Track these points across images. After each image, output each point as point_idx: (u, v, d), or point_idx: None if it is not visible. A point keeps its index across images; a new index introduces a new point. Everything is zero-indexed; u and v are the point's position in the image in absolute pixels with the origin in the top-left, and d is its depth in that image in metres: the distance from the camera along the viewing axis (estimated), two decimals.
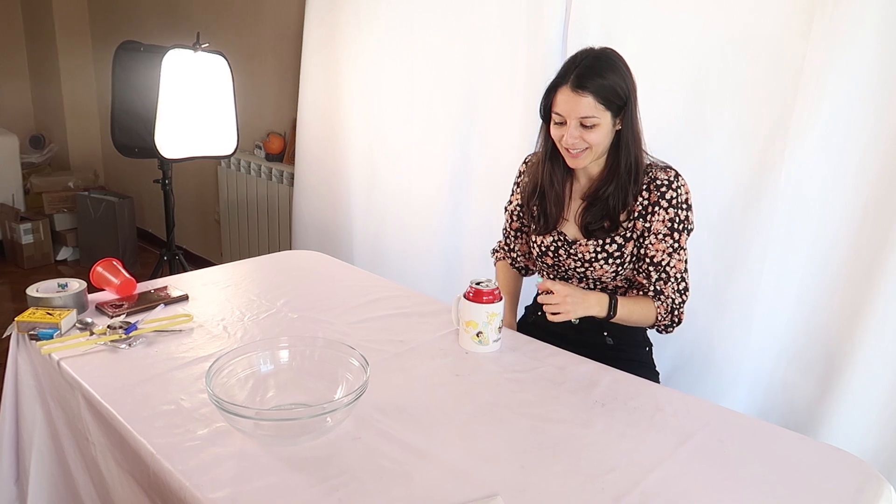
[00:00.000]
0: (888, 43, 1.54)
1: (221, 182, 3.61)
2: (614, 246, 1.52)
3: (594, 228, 1.52)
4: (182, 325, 1.52)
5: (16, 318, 1.46)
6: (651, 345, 1.68)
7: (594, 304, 1.47)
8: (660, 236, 1.48)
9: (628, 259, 1.53)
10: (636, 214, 1.50)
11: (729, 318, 1.90)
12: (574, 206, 1.57)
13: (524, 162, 1.71)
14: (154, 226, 4.49)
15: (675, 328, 1.56)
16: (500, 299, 1.45)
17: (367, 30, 2.68)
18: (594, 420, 1.21)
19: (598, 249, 1.53)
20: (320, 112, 2.96)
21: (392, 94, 2.66)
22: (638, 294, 1.58)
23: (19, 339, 1.47)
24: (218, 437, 1.11)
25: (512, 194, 1.74)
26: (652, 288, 1.52)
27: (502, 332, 1.49)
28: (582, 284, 1.61)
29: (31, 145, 4.74)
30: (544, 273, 1.69)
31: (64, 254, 4.22)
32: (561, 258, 1.60)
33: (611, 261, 1.53)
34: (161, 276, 1.95)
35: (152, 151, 2.46)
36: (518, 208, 1.71)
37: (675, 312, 1.53)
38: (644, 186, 1.49)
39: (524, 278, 1.84)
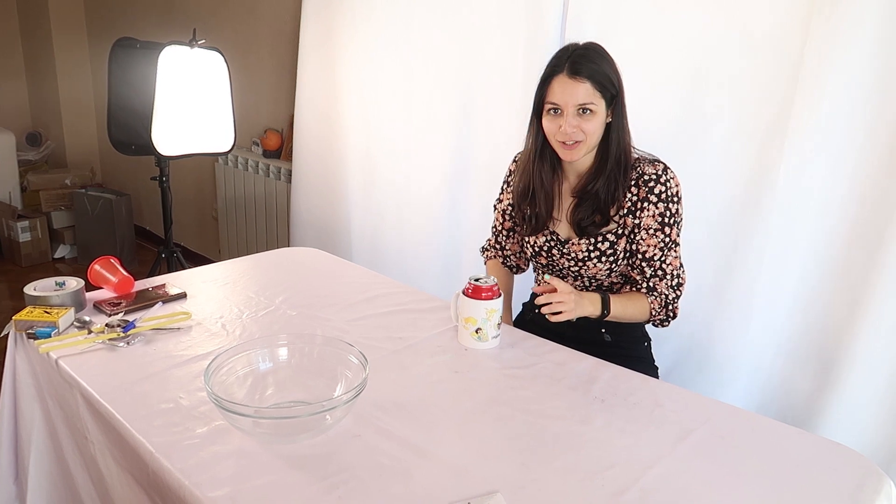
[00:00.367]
0: (886, 40, 1.54)
1: (219, 179, 3.60)
2: (606, 244, 1.52)
3: (586, 225, 1.52)
4: (180, 323, 1.51)
5: (13, 317, 1.45)
6: (650, 340, 1.68)
7: (588, 305, 1.47)
8: (651, 231, 1.48)
9: (621, 256, 1.53)
10: (625, 211, 1.49)
11: (728, 313, 1.91)
12: (565, 205, 1.57)
13: (514, 160, 1.70)
14: (152, 223, 4.48)
15: (671, 322, 1.56)
16: (499, 295, 1.45)
17: (365, 26, 2.67)
18: (594, 416, 1.21)
19: (591, 248, 1.53)
20: (318, 108, 2.96)
21: (390, 90, 2.65)
22: (631, 290, 1.58)
23: (17, 338, 1.47)
24: (217, 436, 1.11)
25: (502, 192, 1.73)
26: (646, 284, 1.51)
27: (501, 328, 1.49)
28: (577, 283, 1.61)
29: (27, 143, 4.73)
30: (540, 272, 1.69)
31: (61, 251, 4.21)
32: (554, 258, 1.59)
33: (604, 259, 1.53)
34: (159, 274, 1.95)
35: (149, 148, 2.45)
36: (509, 207, 1.70)
37: (670, 307, 1.53)
38: (633, 182, 1.48)
39: (516, 276, 1.83)
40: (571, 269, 1.58)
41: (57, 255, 4.19)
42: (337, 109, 2.88)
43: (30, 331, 1.42)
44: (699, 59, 1.83)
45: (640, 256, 1.50)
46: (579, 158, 1.48)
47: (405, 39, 2.54)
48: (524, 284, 1.84)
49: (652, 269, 1.50)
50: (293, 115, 3.09)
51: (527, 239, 1.64)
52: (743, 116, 1.78)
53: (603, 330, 1.60)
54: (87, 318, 1.49)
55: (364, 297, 1.72)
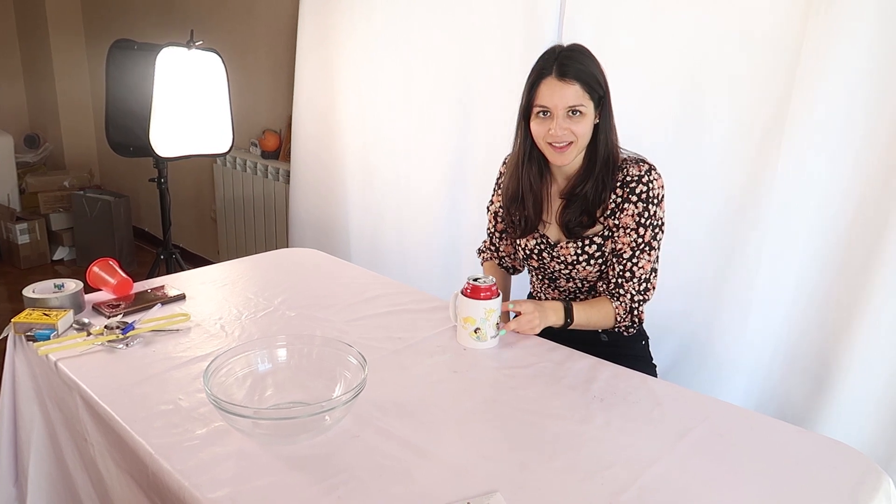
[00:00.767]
0: (883, 37, 1.54)
1: (217, 180, 3.60)
2: (594, 247, 1.52)
3: (574, 226, 1.52)
4: (179, 325, 1.51)
5: (12, 320, 1.45)
6: (647, 338, 1.68)
7: (551, 315, 1.48)
8: (627, 230, 1.48)
9: (610, 257, 1.53)
10: (609, 212, 1.49)
11: (726, 312, 1.91)
12: (554, 208, 1.57)
13: (504, 162, 1.69)
14: (150, 224, 4.48)
15: (636, 329, 1.56)
16: (498, 295, 1.45)
17: (363, 25, 2.67)
18: (593, 415, 1.21)
19: (579, 251, 1.53)
20: (316, 109, 2.96)
21: (388, 90, 2.65)
22: (596, 296, 1.57)
23: (16, 341, 1.47)
24: (216, 437, 1.11)
25: (493, 194, 1.73)
26: (613, 282, 1.51)
27: (500, 327, 1.49)
28: (570, 284, 1.61)
29: (25, 145, 4.72)
30: (532, 274, 1.69)
31: (60, 253, 4.21)
32: (545, 260, 1.60)
33: (592, 261, 1.53)
34: (158, 276, 1.95)
35: (147, 150, 2.44)
36: (500, 210, 1.70)
37: (635, 313, 1.53)
38: (618, 183, 1.48)
39: (513, 276, 1.84)
40: (562, 271, 1.58)
41: (56, 258, 4.18)
42: (335, 110, 2.88)
43: (29, 333, 1.42)
44: (697, 58, 1.83)
45: (613, 253, 1.50)
46: (570, 161, 1.48)
47: (404, 39, 2.54)
48: (523, 284, 1.84)
49: (621, 266, 1.50)
50: (291, 116, 3.09)
51: (518, 242, 1.64)
52: (741, 116, 1.78)
53: (599, 329, 1.60)
54: (86, 320, 1.49)
55: (363, 297, 1.72)
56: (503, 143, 2.23)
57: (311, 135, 3.00)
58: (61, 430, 1.37)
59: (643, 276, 1.50)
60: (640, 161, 1.49)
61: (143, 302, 1.62)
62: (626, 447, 1.12)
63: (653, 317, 1.70)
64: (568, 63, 1.40)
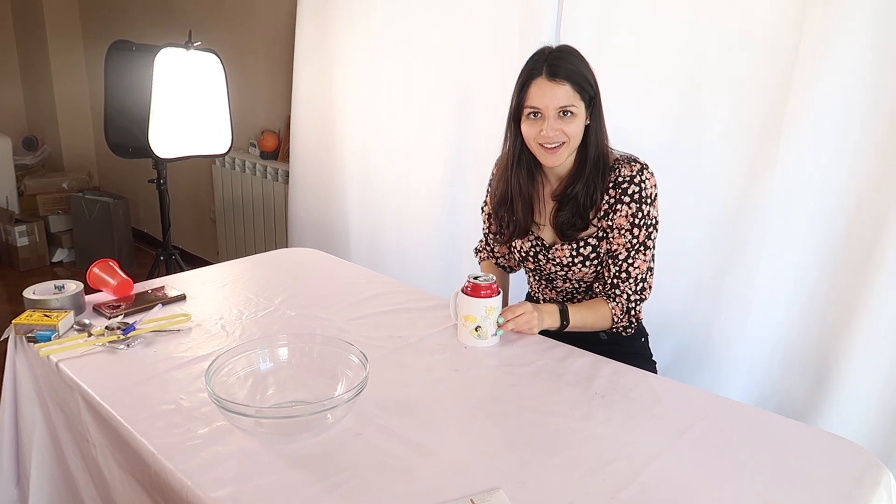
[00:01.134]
0: (880, 35, 1.55)
1: (216, 181, 3.60)
2: (589, 248, 1.52)
3: (567, 229, 1.52)
4: (180, 325, 1.52)
5: (13, 321, 1.45)
6: (647, 335, 1.68)
7: (546, 318, 1.48)
8: (622, 231, 1.48)
9: (605, 258, 1.53)
10: (602, 213, 1.49)
11: (726, 310, 1.91)
12: (547, 210, 1.56)
13: (496, 164, 1.68)
14: (149, 226, 4.48)
15: (633, 329, 1.56)
16: (499, 293, 1.46)
17: (361, 25, 2.67)
18: (594, 412, 1.22)
19: (574, 253, 1.53)
20: (314, 109, 2.96)
21: (387, 90, 2.65)
22: (591, 298, 1.57)
23: (17, 342, 1.47)
24: (218, 436, 1.11)
25: (487, 195, 1.73)
26: (609, 282, 1.51)
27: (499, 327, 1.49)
28: (567, 285, 1.61)
29: (23, 147, 4.72)
30: (529, 275, 1.70)
31: (59, 255, 4.21)
32: (541, 262, 1.60)
33: (588, 263, 1.53)
34: (158, 276, 1.95)
35: (146, 151, 2.44)
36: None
37: (632, 313, 1.53)
38: (610, 184, 1.47)
39: (511, 275, 1.84)
40: (559, 273, 1.58)
41: (55, 259, 4.18)
42: (334, 110, 2.88)
43: (30, 334, 1.42)
44: (695, 58, 1.83)
45: (608, 254, 1.50)
46: (562, 162, 1.48)
47: (403, 39, 2.54)
48: (522, 283, 1.84)
49: (617, 267, 1.50)
50: (290, 117, 3.09)
51: (513, 244, 1.64)
52: (740, 115, 1.78)
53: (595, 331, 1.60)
54: (86, 321, 1.50)
55: (363, 296, 1.72)
56: (502, 141, 2.24)
57: (310, 135, 3.00)
58: (63, 431, 1.37)
59: (639, 276, 1.50)
60: (631, 161, 1.48)
61: (144, 302, 1.62)
62: (626, 444, 1.12)
63: (652, 315, 1.70)
64: (558, 63, 1.40)
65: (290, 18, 3.00)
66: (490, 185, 1.69)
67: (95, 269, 1.69)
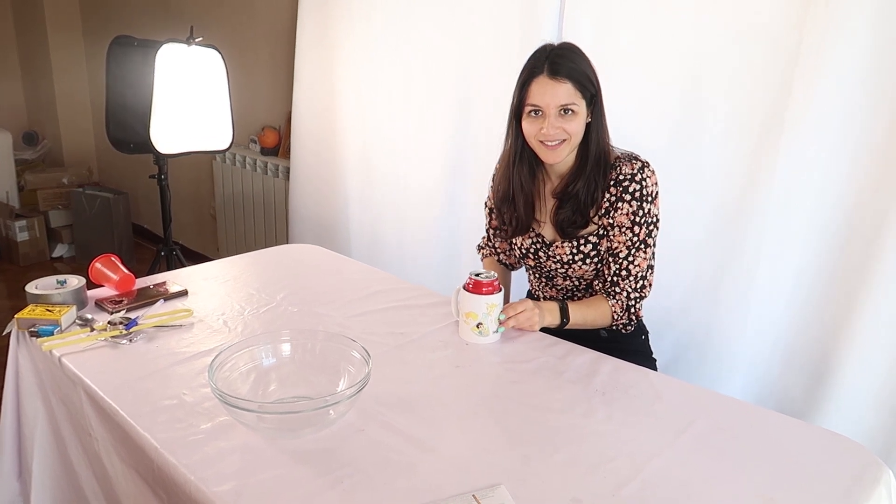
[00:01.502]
0: (882, 34, 1.55)
1: (217, 177, 3.60)
2: (589, 246, 1.52)
3: (567, 226, 1.52)
4: (182, 321, 1.52)
5: (16, 315, 1.46)
6: (647, 332, 1.69)
7: (547, 315, 1.48)
8: (623, 229, 1.48)
9: (606, 256, 1.53)
10: (603, 211, 1.49)
11: (725, 308, 1.91)
12: (548, 207, 1.57)
13: (499, 160, 1.68)
14: (149, 221, 4.48)
15: (632, 327, 1.57)
16: (500, 290, 1.46)
17: (362, 23, 2.67)
18: (595, 409, 1.22)
19: (575, 251, 1.53)
20: (315, 105, 2.96)
21: (388, 87, 2.65)
22: (591, 295, 1.57)
23: (19, 337, 1.47)
24: (221, 431, 1.11)
25: (490, 191, 1.73)
26: (609, 280, 1.52)
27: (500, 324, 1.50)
28: (567, 283, 1.62)
29: (24, 142, 4.72)
30: (530, 273, 1.70)
31: (60, 251, 4.21)
32: (541, 260, 1.60)
33: (588, 260, 1.53)
34: (158, 272, 1.95)
35: (147, 146, 2.44)
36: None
37: (632, 310, 1.53)
38: (612, 182, 1.48)
39: (513, 273, 1.84)
40: (559, 270, 1.59)
41: (55, 255, 4.18)
42: (335, 106, 2.88)
43: (32, 329, 1.42)
44: (696, 56, 1.83)
45: (609, 252, 1.51)
46: (562, 159, 1.48)
47: (404, 37, 2.54)
48: (523, 281, 1.85)
49: (617, 265, 1.50)
50: (291, 113, 3.09)
51: (514, 241, 1.65)
52: (740, 113, 1.79)
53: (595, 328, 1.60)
54: (88, 316, 1.50)
55: (364, 293, 1.73)
56: (501, 139, 2.24)
57: (311, 131, 3.00)
58: (65, 426, 1.37)
59: (639, 274, 1.50)
60: (633, 158, 1.48)
61: (146, 298, 1.62)
62: (627, 441, 1.13)
63: (653, 312, 1.71)
64: (559, 61, 1.40)
65: (292, 15, 3.00)
66: (493, 181, 1.70)
67: (98, 265, 1.70)
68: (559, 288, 1.65)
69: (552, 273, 1.61)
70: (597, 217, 1.51)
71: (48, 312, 1.45)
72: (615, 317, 1.53)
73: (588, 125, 1.46)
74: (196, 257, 3.89)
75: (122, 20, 4.17)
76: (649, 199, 1.47)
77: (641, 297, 1.53)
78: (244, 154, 3.39)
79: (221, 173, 3.55)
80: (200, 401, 1.20)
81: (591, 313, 1.52)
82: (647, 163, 1.48)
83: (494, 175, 1.69)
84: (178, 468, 1.02)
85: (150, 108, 2.39)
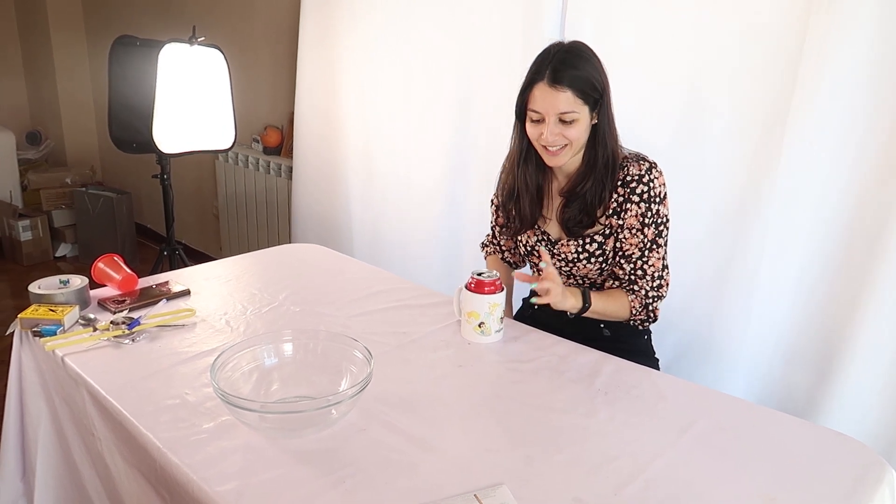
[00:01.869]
0: (884, 34, 1.54)
1: (219, 176, 3.61)
2: (594, 245, 1.52)
3: (573, 225, 1.52)
4: (185, 320, 1.52)
5: (19, 315, 1.46)
6: (650, 332, 1.68)
7: (570, 297, 1.46)
8: (633, 231, 1.48)
9: (611, 256, 1.53)
10: (611, 212, 1.49)
11: (728, 307, 1.91)
12: (555, 205, 1.57)
13: (507, 157, 1.68)
14: (152, 221, 4.48)
15: (651, 324, 1.56)
16: (502, 290, 1.46)
17: (364, 22, 2.67)
18: (597, 409, 1.22)
19: (580, 249, 1.53)
20: (317, 105, 2.96)
21: (389, 86, 2.65)
22: (612, 287, 1.57)
23: (23, 336, 1.48)
24: (223, 431, 1.11)
25: (497, 188, 1.73)
26: (626, 279, 1.51)
27: (504, 322, 1.50)
28: (570, 282, 1.62)
29: (27, 142, 4.73)
30: (534, 271, 1.70)
31: (63, 250, 4.22)
32: None
33: (593, 259, 1.53)
34: (161, 272, 1.95)
35: (150, 146, 2.45)
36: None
37: (650, 308, 1.53)
38: (619, 182, 1.47)
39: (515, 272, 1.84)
40: (563, 269, 1.59)
41: (58, 254, 4.19)
42: (337, 106, 2.88)
43: (35, 329, 1.42)
44: (698, 56, 1.83)
45: (621, 254, 1.50)
46: (564, 163, 1.48)
47: (405, 37, 2.54)
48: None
49: (631, 266, 1.50)
50: (293, 112, 3.10)
51: (519, 238, 1.64)
52: (741, 113, 1.78)
53: (602, 325, 1.60)
54: (91, 316, 1.50)
55: (366, 292, 1.73)
56: (503, 140, 2.23)
57: (313, 131, 3.00)
58: (68, 425, 1.37)
59: (655, 274, 1.50)
60: (640, 159, 1.48)
61: (148, 297, 1.62)
62: (630, 441, 1.13)
63: None
64: (562, 68, 1.38)
65: (294, 14, 3.00)
66: (500, 177, 1.70)
67: (100, 264, 1.70)
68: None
69: (557, 271, 1.61)
70: (604, 217, 1.50)
71: (51, 312, 1.45)
72: (633, 312, 1.53)
73: (594, 127, 1.46)
74: (199, 257, 3.90)
75: (124, 20, 4.18)
76: (658, 199, 1.46)
77: (659, 297, 1.53)
78: (247, 153, 3.40)
79: (224, 173, 3.56)
80: (203, 400, 1.20)
81: (611, 304, 1.52)
82: (654, 163, 1.48)
83: (501, 172, 1.69)
84: (181, 468, 1.02)
85: (153, 107, 2.40)
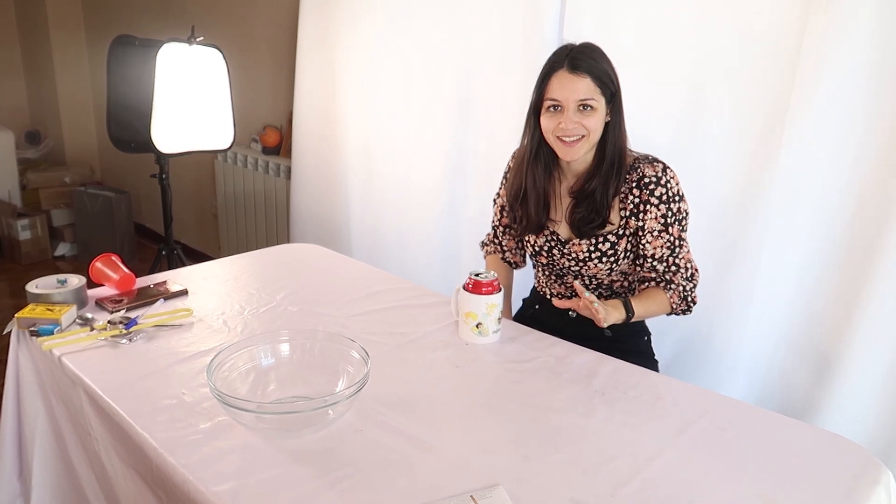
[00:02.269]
0: (884, 34, 1.54)
1: (218, 176, 3.60)
2: (607, 244, 1.52)
3: (583, 226, 1.51)
4: (182, 320, 1.52)
5: (16, 315, 1.46)
6: (649, 333, 1.68)
7: (613, 311, 1.43)
8: (655, 234, 1.48)
9: (622, 256, 1.52)
10: (627, 213, 1.49)
11: (727, 307, 1.91)
12: (564, 206, 1.56)
13: (512, 156, 1.68)
14: (151, 220, 4.48)
15: (692, 311, 1.56)
16: (500, 290, 1.46)
17: (363, 22, 2.67)
18: (595, 409, 1.22)
19: (592, 249, 1.53)
20: (316, 105, 2.96)
21: (389, 86, 2.65)
22: (647, 287, 1.56)
23: (20, 336, 1.47)
24: (220, 431, 1.11)
25: (501, 187, 1.73)
26: (661, 278, 1.51)
27: (502, 322, 1.49)
28: (577, 281, 1.61)
29: (26, 141, 4.72)
30: (539, 270, 1.69)
31: (61, 249, 4.22)
32: (555, 258, 1.59)
33: (604, 259, 1.53)
34: (160, 271, 1.95)
35: (149, 146, 2.45)
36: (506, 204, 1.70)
37: (689, 298, 1.53)
38: (634, 184, 1.47)
39: (515, 271, 1.84)
40: (572, 268, 1.58)
41: (57, 253, 4.19)
42: (336, 105, 2.88)
43: (32, 328, 1.42)
44: (698, 55, 1.83)
45: (649, 258, 1.50)
46: (580, 156, 1.47)
47: (404, 36, 2.54)
48: (524, 280, 1.84)
49: (664, 265, 1.50)
50: (292, 112, 3.09)
51: (527, 238, 1.64)
52: (741, 112, 1.78)
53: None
54: (89, 316, 1.50)
55: (365, 292, 1.73)
56: (503, 140, 2.25)
57: (312, 131, 3.00)
58: (65, 425, 1.37)
59: (687, 266, 1.51)
60: (653, 161, 1.49)
61: (146, 297, 1.62)
62: (628, 441, 1.13)
63: None
64: (580, 58, 1.41)
65: (293, 14, 3.00)
66: (505, 176, 1.69)
67: (98, 264, 1.70)
68: (567, 286, 1.64)
69: (564, 272, 1.61)
70: (623, 219, 1.50)
71: (48, 312, 1.45)
72: (673, 306, 1.53)
73: (606, 124, 1.46)
74: (198, 256, 3.90)
75: (123, 19, 4.18)
76: (676, 198, 1.47)
77: (695, 286, 1.53)
78: (245, 153, 3.40)
79: (223, 172, 3.55)
80: (200, 401, 1.20)
81: (651, 305, 1.51)
82: (667, 164, 1.49)
83: (507, 172, 1.68)
84: (177, 468, 1.02)
85: (152, 107, 2.39)
